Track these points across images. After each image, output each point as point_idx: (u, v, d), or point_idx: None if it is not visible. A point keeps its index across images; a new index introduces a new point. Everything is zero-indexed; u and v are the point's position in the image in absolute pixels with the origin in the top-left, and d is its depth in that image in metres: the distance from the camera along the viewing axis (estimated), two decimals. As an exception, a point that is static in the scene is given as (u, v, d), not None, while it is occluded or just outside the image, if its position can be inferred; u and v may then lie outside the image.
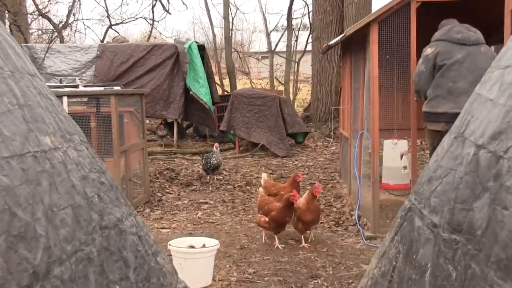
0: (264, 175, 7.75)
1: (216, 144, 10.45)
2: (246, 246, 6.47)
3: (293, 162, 11.90)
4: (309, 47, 18.14)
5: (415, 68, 6.47)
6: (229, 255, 6.17)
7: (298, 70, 18.49)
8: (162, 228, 7.29)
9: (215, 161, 9.99)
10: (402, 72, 6.83)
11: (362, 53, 7.38)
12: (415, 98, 6.70)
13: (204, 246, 5.29)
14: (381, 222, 6.81)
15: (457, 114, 6.62)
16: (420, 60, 6.39)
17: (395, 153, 7.42)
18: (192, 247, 5.33)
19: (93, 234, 2.53)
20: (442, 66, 6.13)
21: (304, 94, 20.81)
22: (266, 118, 12.64)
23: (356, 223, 7.18)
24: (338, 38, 7.59)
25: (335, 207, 8.27)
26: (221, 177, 10.32)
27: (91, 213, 2.55)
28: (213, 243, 5.32)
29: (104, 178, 2.81)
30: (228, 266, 5.84)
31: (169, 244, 5.24)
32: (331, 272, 5.68)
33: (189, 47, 13.49)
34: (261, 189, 7.22)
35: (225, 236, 6.92)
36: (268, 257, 6.12)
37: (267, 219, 6.39)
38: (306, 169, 11.14)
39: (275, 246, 6.41)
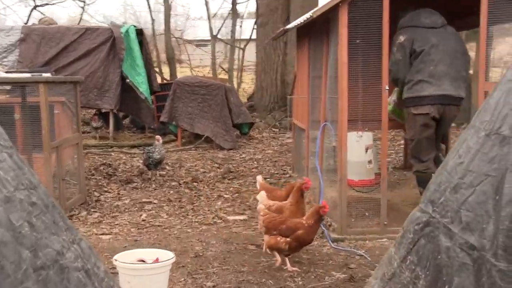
0: (259, 178, 6.62)
1: (158, 137, 9.58)
2: (201, 254, 5.70)
3: (240, 155, 11.17)
4: (254, 35, 17.42)
5: (387, 54, 5.88)
6: (182, 266, 5.38)
7: (243, 57, 17.72)
8: (102, 234, 6.40)
9: (158, 156, 9.12)
10: (371, 58, 6.20)
11: (324, 38, 6.71)
12: (387, 87, 6.11)
13: (157, 260, 4.48)
14: (347, 222, 6.20)
15: (440, 96, 6.16)
16: (395, 49, 6.13)
17: (360, 146, 6.82)
18: (143, 261, 4.52)
19: (24, 282, 1.73)
20: (421, 52, 5.96)
21: (248, 83, 20.09)
22: (211, 108, 11.85)
23: (320, 223, 6.53)
24: (300, 20, 6.88)
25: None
26: (164, 173, 9.47)
27: (20, 251, 1.75)
28: (167, 256, 4.52)
29: (36, 197, 1.98)
30: (182, 279, 5.06)
31: (115, 260, 4.40)
32: (300, 283, 5.00)
33: (126, 31, 12.48)
34: (261, 205, 5.67)
35: (176, 242, 6.12)
36: (228, 266, 5.38)
37: (288, 239, 5.18)
38: (255, 162, 10.44)
39: (287, 269, 5.27)
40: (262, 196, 5.73)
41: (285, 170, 9.70)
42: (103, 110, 13.03)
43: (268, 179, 8.80)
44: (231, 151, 11.43)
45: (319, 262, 5.47)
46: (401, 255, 2.99)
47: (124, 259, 4.43)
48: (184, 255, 5.67)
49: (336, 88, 6.32)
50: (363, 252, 5.71)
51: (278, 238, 5.25)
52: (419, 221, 2.94)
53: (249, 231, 6.53)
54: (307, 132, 7.94)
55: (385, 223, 6.13)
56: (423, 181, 6.38)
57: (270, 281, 5.01)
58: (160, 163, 9.27)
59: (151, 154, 9.12)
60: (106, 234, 6.40)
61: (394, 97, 6.92)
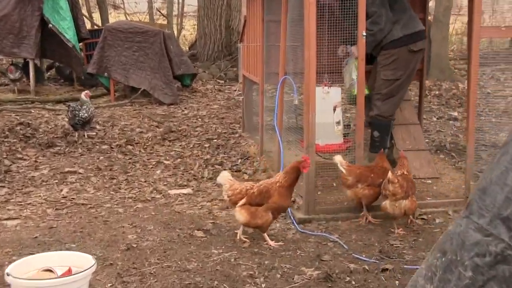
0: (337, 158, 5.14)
1: (87, 92, 8.17)
2: (134, 246, 4.50)
3: (182, 111, 9.85)
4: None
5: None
6: (110, 263, 4.18)
7: (183, 1, 16.12)
8: (7, 219, 5.08)
9: (85, 114, 7.75)
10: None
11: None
12: (364, 34, 4.98)
13: (69, 271, 3.24)
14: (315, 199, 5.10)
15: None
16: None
17: (326, 104, 5.65)
18: (50, 271, 3.27)
19: None
20: None
21: (189, 29, 18.50)
22: (147, 57, 10.41)
23: (280, 198, 5.41)
24: None
25: (246, 174, 6.44)
26: (93, 134, 8.09)
27: None
28: (85, 263, 3.29)
29: None
30: (109, 285, 3.86)
31: (8, 274, 3.13)
32: (264, 285, 3.89)
33: (45, -33, 10.72)
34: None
35: (103, 228, 4.88)
36: (169, 263, 4.21)
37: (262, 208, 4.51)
38: (200, 119, 9.17)
39: (270, 245, 4.54)
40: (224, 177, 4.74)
41: (234, 129, 8.49)
42: (22, 59, 11.37)
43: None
44: (172, 106, 10.10)
45: (284, 254, 4.36)
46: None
47: (22, 270, 3.17)
48: (112, 248, 4.45)
49: (299, 34, 5.15)
50: (337, 237, 4.64)
51: (253, 209, 4.47)
52: (484, 251, 1.80)
53: (195, 210, 5.35)
54: (262, 86, 6.72)
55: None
56: (385, 127, 5.93)
57: (224, 284, 3.88)
58: (88, 123, 7.90)
59: (77, 112, 7.72)
60: (13, 218, 5.08)
61: (353, 75, 5.79)
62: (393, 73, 5.87)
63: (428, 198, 5.33)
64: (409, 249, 4.41)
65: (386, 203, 4.70)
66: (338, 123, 5.82)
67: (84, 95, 7.97)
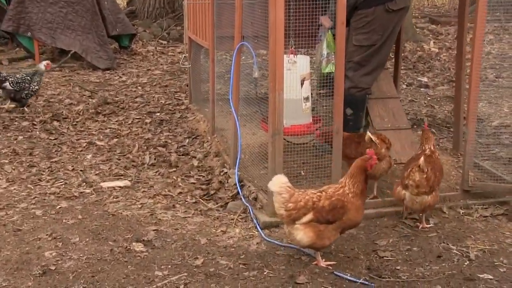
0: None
1: (48, 62, 7.20)
2: (53, 268, 3.47)
3: (120, 77, 8.63)
4: None
5: None
6: (17, 298, 3.13)
7: None
8: None
9: (37, 87, 6.91)
10: None
11: None
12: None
13: None
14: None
15: None
16: None
17: (292, 77, 4.63)
18: None
19: None
20: None
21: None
22: (77, 15, 9.05)
23: (239, 193, 4.44)
24: None
25: (195, 158, 5.41)
26: (12, 106, 6.84)
27: None
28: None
29: None
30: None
31: None
32: (224, 327, 2.93)
33: None
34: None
35: (13, 242, 3.79)
36: (97, 294, 3.19)
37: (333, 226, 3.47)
38: (140, 88, 8.00)
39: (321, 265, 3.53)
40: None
41: (179, 99, 7.39)
42: None
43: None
44: (108, 72, 8.85)
45: (248, 275, 3.41)
46: None
47: None
48: (23, 272, 3.40)
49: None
50: (310, 251, 3.70)
51: (322, 228, 3.39)
52: None
53: (134, 210, 4.32)
54: (212, 53, 5.63)
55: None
56: (359, 103, 5.00)
57: (172, 328, 2.90)
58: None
59: (27, 84, 6.66)
60: None
61: (323, 50, 4.83)
62: (366, 37, 4.92)
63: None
64: (404, 263, 3.51)
65: (405, 194, 3.86)
66: (306, 99, 4.83)
67: (45, 64, 6.98)
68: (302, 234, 3.39)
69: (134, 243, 3.77)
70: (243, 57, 5.08)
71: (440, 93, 7.63)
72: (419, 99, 7.33)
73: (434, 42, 11.02)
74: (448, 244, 3.70)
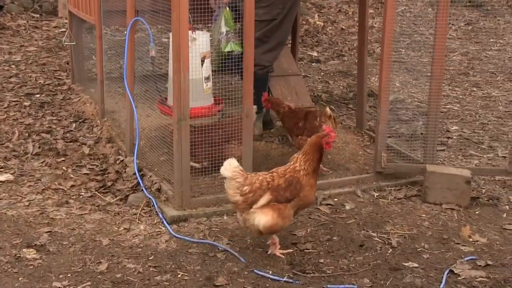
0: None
1: None
2: None
3: (-12, 54, 7.77)
4: None
5: None
6: None
7: None
8: None
9: None
10: None
11: None
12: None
13: None
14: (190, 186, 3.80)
15: None
16: None
17: (192, 55, 4.26)
18: None
19: None
20: None
21: None
22: None
23: (140, 184, 4.05)
24: None
25: (86, 145, 4.92)
26: None
27: None
28: None
29: None
30: None
31: None
32: None
33: None
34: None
35: None
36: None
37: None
38: (14, 66, 7.20)
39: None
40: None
41: (60, 79, 6.73)
42: None
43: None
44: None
45: (161, 280, 3.08)
46: None
47: None
48: None
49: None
50: (228, 245, 3.43)
51: (281, 207, 3.19)
52: None
53: (21, 210, 3.80)
54: (99, 29, 5.11)
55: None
56: (260, 82, 4.69)
57: None
58: None
59: None
60: None
61: (222, 28, 4.55)
62: (266, 11, 4.68)
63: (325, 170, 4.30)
64: (327, 256, 3.34)
65: None
66: (207, 79, 4.50)
67: None
68: (261, 215, 3.16)
69: (24, 250, 3.30)
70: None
71: (333, 67, 7.59)
72: (312, 75, 7.23)
73: (318, 16, 11.02)
74: (368, 231, 3.57)
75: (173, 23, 3.53)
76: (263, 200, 3.15)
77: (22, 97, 6.06)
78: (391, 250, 3.38)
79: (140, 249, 3.36)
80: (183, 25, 3.49)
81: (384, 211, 3.84)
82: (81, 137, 5.07)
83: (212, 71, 4.61)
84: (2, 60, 7.46)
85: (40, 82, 6.57)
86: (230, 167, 3.17)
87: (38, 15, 10.29)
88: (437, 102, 4.14)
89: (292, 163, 3.28)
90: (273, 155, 4.63)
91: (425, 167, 3.99)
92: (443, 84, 5.60)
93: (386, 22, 3.95)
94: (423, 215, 3.79)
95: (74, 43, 6.08)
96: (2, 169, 4.42)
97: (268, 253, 3.31)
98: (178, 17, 3.46)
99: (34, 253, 3.27)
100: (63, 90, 6.37)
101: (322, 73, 7.31)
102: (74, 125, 5.36)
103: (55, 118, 5.52)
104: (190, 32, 4.37)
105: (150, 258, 3.28)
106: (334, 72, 7.36)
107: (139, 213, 3.78)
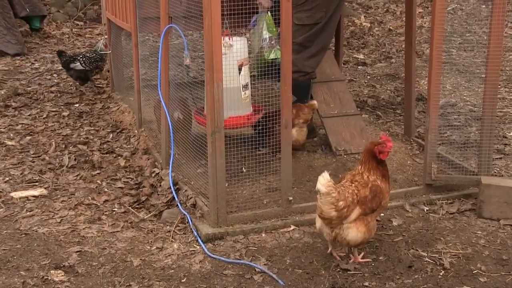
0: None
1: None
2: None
3: (32, 64, 7.75)
4: None
5: None
6: None
7: None
8: None
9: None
10: None
11: None
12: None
13: None
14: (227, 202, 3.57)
15: None
16: None
17: (228, 62, 4.06)
18: None
19: None
20: None
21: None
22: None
23: (175, 199, 3.87)
24: None
25: (122, 157, 4.78)
26: None
27: None
28: None
29: None
30: None
31: None
32: None
33: None
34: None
35: None
36: None
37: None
38: (56, 75, 7.18)
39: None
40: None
41: (100, 87, 6.67)
42: None
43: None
44: (18, 58, 7.95)
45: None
46: None
47: None
48: None
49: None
50: (265, 266, 3.20)
51: (369, 219, 3.12)
52: None
53: (52, 227, 3.67)
54: (135, 37, 4.98)
55: (290, 198, 3.64)
56: (303, 89, 4.56)
57: None
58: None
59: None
60: None
61: (264, 34, 4.34)
62: (309, 15, 4.44)
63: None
64: (372, 278, 3.07)
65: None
66: (245, 87, 4.31)
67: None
68: (355, 231, 3.06)
69: (52, 271, 3.16)
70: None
71: (379, 71, 7.27)
72: (358, 78, 6.93)
73: (364, 16, 10.68)
74: (417, 250, 3.28)
75: (205, 29, 3.33)
76: (354, 215, 3.03)
77: (62, 106, 6.00)
78: (443, 272, 3.07)
79: (172, 271, 3.17)
80: (215, 31, 3.28)
81: (435, 227, 3.52)
82: (118, 148, 4.94)
83: (250, 78, 4.41)
84: (45, 69, 7.46)
85: (80, 90, 6.50)
86: (324, 181, 2.98)
87: (82, 23, 10.34)
88: (492, 106, 3.82)
89: (356, 172, 3.20)
90: (315, 165, 4.38)
91: (480, 179, 3.67)
92: (499, 86, 5.23)
93: (434, 21, 3.65)
94: (479, 232, 3.46)
95: (110, 51, 5.98)
96: (36, 183, 4.33)
97: (350, 262, 3.19)
98: (210, 22, 3.26)
99: (62, 275, 3.13)
100: (103, 98, 6.29)
101: (369, 77, 6.99)
102: (111, 135, 5.24)
103: (92, 128, 5.43)
104: (227, 38, 4.21)
105: (182, 280, 3.08)
106: (381, 76, 7.04)
107: (173, 230, 3.60)
